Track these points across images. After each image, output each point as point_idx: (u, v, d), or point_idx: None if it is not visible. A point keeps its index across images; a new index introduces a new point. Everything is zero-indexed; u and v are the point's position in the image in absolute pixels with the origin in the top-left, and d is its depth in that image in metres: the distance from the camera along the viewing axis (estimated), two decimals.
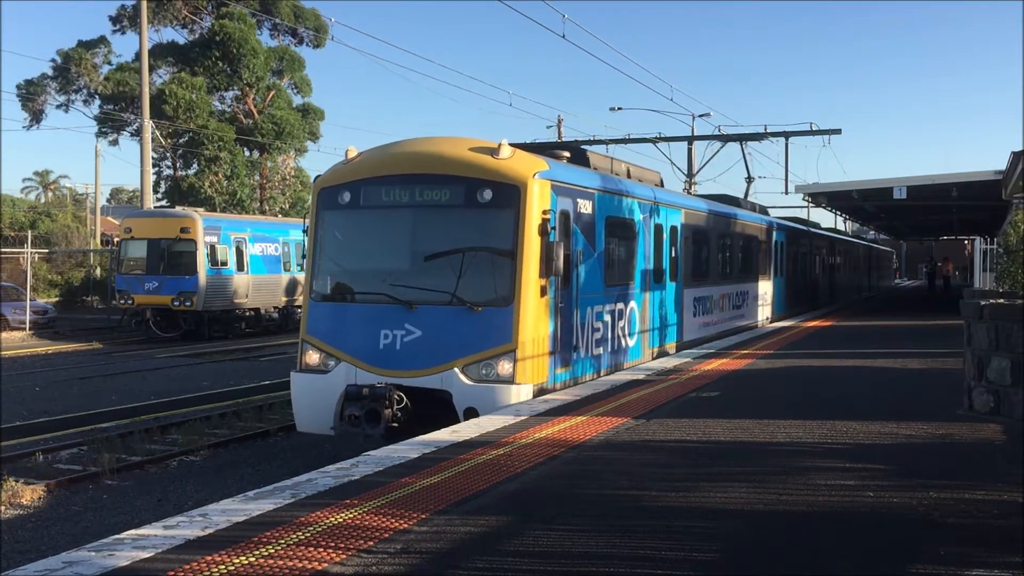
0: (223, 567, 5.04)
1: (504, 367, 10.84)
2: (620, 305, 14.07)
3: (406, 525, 5.85)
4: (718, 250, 20.11)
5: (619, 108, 41.40)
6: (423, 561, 5.21)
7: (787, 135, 32.59)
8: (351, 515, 6.07)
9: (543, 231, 11.18)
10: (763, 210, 28.10)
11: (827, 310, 32.56)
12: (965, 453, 8.16)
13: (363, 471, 7.30)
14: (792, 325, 24.65)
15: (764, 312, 24.84)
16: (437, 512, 6.16)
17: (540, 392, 11.25)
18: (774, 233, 26.07)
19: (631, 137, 34.74)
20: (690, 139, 35.24)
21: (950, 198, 31.56)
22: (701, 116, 38.70)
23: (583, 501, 6.54)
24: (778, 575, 5.12)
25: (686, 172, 35.43)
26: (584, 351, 12.66)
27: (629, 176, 16.05)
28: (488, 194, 11.18)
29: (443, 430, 9.29)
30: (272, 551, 5.32)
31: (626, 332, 14.34)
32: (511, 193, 11.18)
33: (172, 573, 4.96)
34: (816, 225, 39.03)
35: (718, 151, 32.51)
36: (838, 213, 52.18)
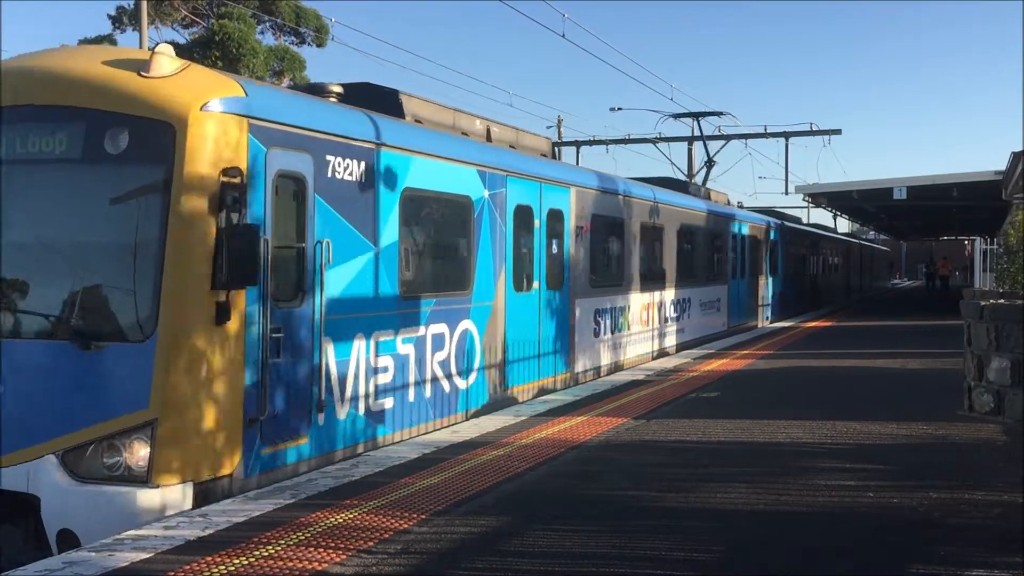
0: (223, 567, 5.04)
1: (136, 453, 6.37)
2: (438, 327, 9.48)
3: (406, 525, 5.85)
4: (641, 247, 15.45)
5: (619, 108, 41.34)
6: (423, 561, 5.21)
7: (787, 135, 32.60)
8: (351, 515, 6.07)
9: (223, 204, 6.67)
10: (733, 203, 24.70)
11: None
12: (965, 453, 8.16)
13: (363, 471, 7.30)
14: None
15: (718, 322, 20.93)
16: (437, 512, 6.16)
17: (220, 493, 6.64)
18: (735, 227, 22.17)
19: (631, 137, 34.74)
20: (690, 139, 35.24)
21: (950, 198, 31.55)
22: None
23: (583, 501, 6.54)
24: (778, 575, 5.12)
25: (686, 172, 35.44)
26: (344, 410, 7.99)
27: (489, 138, 11.55)
28: (121, 138, 6.73)
29: (443, 430, 9.24)
30: (272, 551, 5.32)
31: (451, 369, 9.70)
32: (160, 135, 6.68)
33: (172, 573, 4.96)
34: (797, 220, 35.30)
35: (718, 151, 32.50)
36: (838, 213, 52.18)
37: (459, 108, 11.32)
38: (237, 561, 5.15)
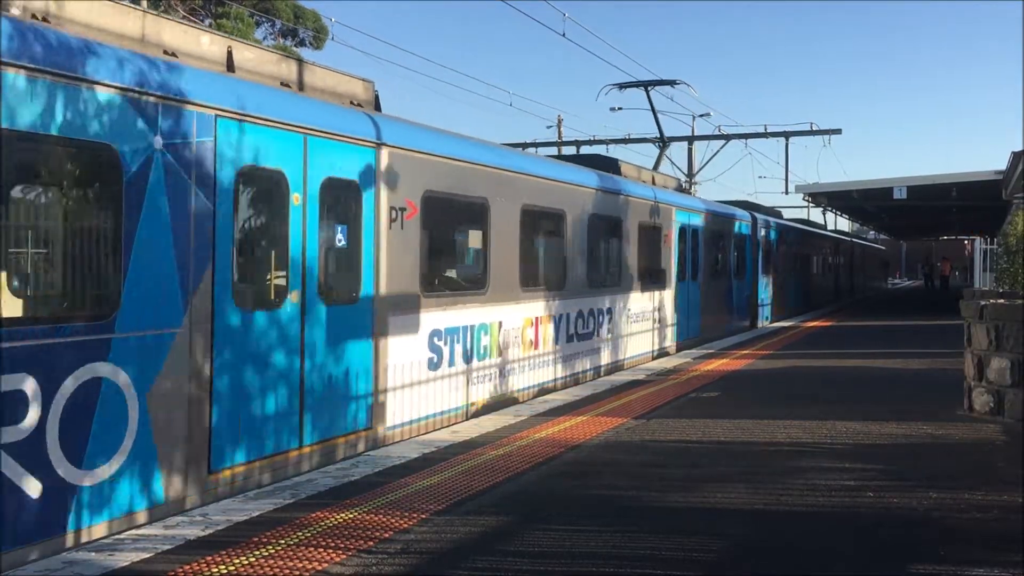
0: (223, 567, 5.05)
1: None
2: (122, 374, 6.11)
3: (406, 525, 5.85)
4: (522, 240, 11.62)
5: (619, 108, 41.35)
6: (423, 561, 5.21)
7: (787, 135, 32.61)
8: (351, 515, 6.07)
9: None
10: (684, 189, 20.86)
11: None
12: (965, 453, 8.16)
13: (363, 471, 7.30)
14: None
15: (657, 338, 16.70)
16: (437, 512, 6.16)
17: None
18: (683, 218, 18.09)
19: (631, 137, 34.74)
20: (690, 139, 35.25)
21: (950, 198, 31.58)
22: (701, 116, 38.67)
23: (583, 501, 6.54)
24: (778, 575, 5.12)
25: (686, 172, 35.46)
26: None
27: (232, 67, 7.73)
28: None
29: (443, 430, 9.29)
30: (272, 551, 5.32)
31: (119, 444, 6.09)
32: None
33: (172, 573, 4.96)
34: (778, 214, 31.37)
35: (718, 151, 32.49)
36: (838, 213, 52.19)
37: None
38: (237, 561, 5.15)
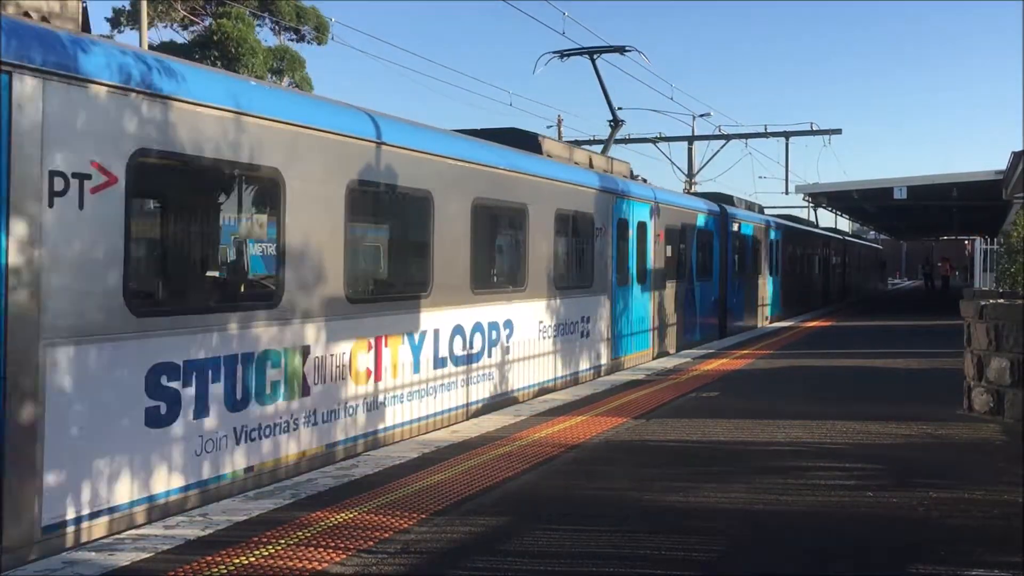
0: (223, 567, 5.05)
1: None
2: None
3: (406, 525, 5.85)
4: (359, 231, 9.10)
5: (619, 108, 41.27)
6: (423, 561, 5.21)
7: (787, 135, 32.65)
8: (351, 515, 6.07)
9: None
10: (635, 177, 17.11)
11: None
12: (965, 453, 8.16)
13: (363, 471, 7.30)
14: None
15: (587, 356, 13.63)
16: (437, 512, 6.16)
17: None
18: (625, 208, 15.02)
19: (631, 137, 34.74)
20: (690, 139, 35.26)
21: (950, 198, 31.60)
22: (701, 116, 38.69)
23: (583, 501, 6.54)
24: (778, 575, 5.12)
25: (687, 172, 35.45)
26: None
27: None
28: None
29: (443, 430, 9.29)
30: (272, 551, 5.32)
31: None
32: None
33: (172, 573, 4.96)
34: (759, 209, 28.22)
35: (719, 151, 32.50)
36: (839, 213, 52.20)
37: None
38: (237, 561, 5.15)
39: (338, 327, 8.09)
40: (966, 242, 69.66)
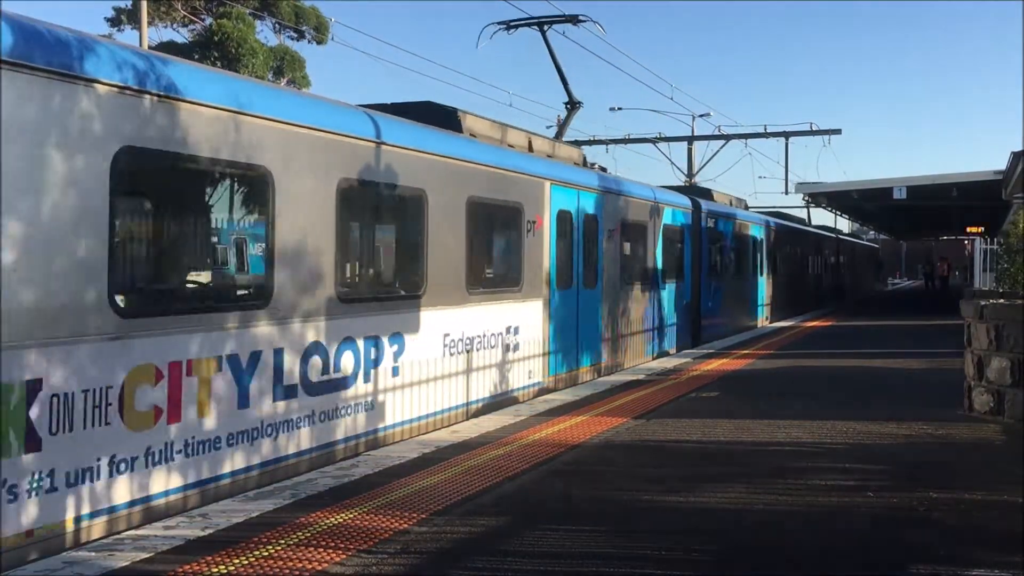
0: (223, 567, 5.04)
1: None
2: None
3: (406, 525, 5.85)
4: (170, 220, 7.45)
5: (619, 108, 41.36)
6: (423, 561, 5.21)
7: (787, 135, 32.65)
8: (351, 515, 6.07)
9: None
10: (591, 165, 15.39)
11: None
12: (965, 453, 8.16)
13: (363, 471, 7.30)
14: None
15: (516, 374, 11.41)
16: (437, 512, 6.15)
17: None
18: (564, 198, 12.70)
19: (631, 137, 34.75)
20: (690, 139, 35.27)
21: (950, 198, 31.60)
22: (701, 116, 38.71)
23: (583, 501, 6.54)
24: (778, 575, 5.12)
25: (686, 172, 35.46)
26: None
27: None
28: None
29: (443, 430, 9.28)
30: (272, 551, 5.32)
31: None
32: None
33: (172, 573, 4.96)
34: (744, 205, 25.81)
35: (718, 151, 32.50)
36: (839, 213, 52.21)
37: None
38: (237, 561, 5.15)
39: (104, 353, 5.95)
40: (966, 242, 69.69)
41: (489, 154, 11.05)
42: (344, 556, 5.25)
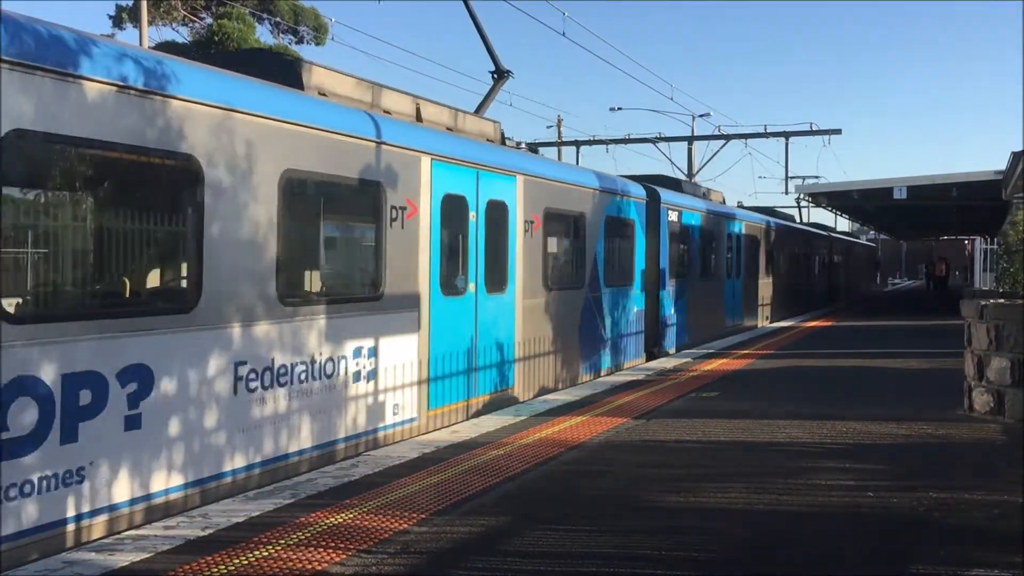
0: (223, 567, 5.04)
1: None
2: None
3: (405, 525, 5.85)
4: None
5: (619, 108, 41.36)
6: (423, 561, 5.21)
7: (787, 135, 32.65)
8: (351, 515, 6.07)
9: None
10: (518, 144, 13.34)
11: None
12: (965, 453, 8.16)
13: (362, 471, 7.30)
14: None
15: (366, 414, 8.50)
16: (436, 512, 6.15)
17: None
18: (452, 178, 9.92)
19: (631, 137, 34.76)
20: (690, 139, 35.27)
21: (950, 198, 31.60)
22: (701, 116, 38.71)
23: (583, 501, 6.53)
24: (778, 575, 5.12)
25: (686, 172, 35.45)
26: None
27: None
28: None
29: (443, 430, 9.28)
30: (272, 551, 5.32)
31: None
32: None
33: (172, 573, 4.96)
34: (722, 199, 23.68)
35: (718, 151, 32.49)
36: (839, 213, 52.21)
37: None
38: (237, 561, 5.15)
39: None
40: (966, 242, 69.68)
41: (332, 117, 8.21)
42: (344, 556, 5.25)
